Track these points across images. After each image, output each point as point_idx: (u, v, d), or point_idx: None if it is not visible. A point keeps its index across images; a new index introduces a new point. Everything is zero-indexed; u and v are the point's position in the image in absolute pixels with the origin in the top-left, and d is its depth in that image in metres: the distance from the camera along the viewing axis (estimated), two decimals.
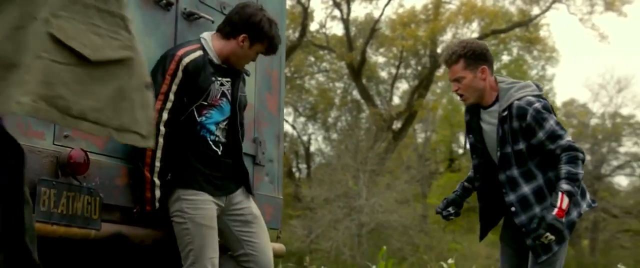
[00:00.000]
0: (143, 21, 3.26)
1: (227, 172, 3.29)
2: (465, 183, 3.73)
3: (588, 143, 24.11)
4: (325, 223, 17.65)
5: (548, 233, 3.24)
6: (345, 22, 21.56)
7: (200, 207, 3.14)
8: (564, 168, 3.31)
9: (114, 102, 1.47)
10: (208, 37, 3.30)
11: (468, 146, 3.71)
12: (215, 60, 3.25)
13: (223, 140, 3.28)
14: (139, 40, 3.24)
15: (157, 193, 3.11)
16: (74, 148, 2.83)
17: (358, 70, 21.54)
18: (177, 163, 3.15)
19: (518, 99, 3.40)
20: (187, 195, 3.14)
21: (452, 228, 22.57)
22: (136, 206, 3.12)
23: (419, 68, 22.71)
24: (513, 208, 3.45)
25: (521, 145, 3.40)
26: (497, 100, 3.48)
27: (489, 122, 3.52)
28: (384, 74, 23.13)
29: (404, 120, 21.74)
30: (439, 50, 22.66)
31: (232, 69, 3.31)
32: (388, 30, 22.66)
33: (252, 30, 3.23)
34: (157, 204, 3.11)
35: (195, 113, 3.19)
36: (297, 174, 20.89)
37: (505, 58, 24.12)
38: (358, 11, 30.08)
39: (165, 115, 3.11)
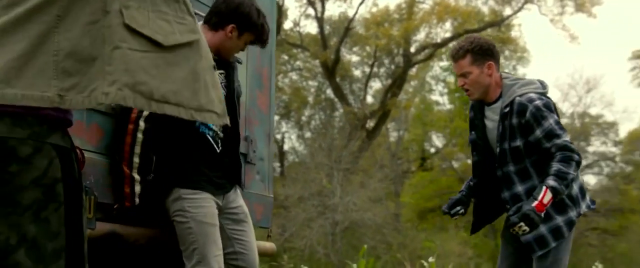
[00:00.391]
0: None
1: (225, 170, 3.26)
2: (470, 183, 3.71)
3: None
4: (299, 222, 17.65)
5: (522, 223, 3.23)
6: (320, 20, 21.59)
7: (201, 205, 3.11)
8: (555, 166, 3.30)
9: (190, 83, 1.52)
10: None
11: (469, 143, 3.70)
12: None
13: (221, 134, 3.24)
14: None
15: (137, 188, 3.04)
16: None
17: (332, 69, 21.57)
18: (177, 162, 3.10)
19: (520, 95, 3.39)
20: (188, 193, 3.10)
21: (425, 226, 22.73)
22: (115, 203, 3.06)
23: (393, 67, 22.83)
24: (507, 206, 3.46)
25: (518, 142, 3.39)
26: (500, 96, 3.49)
27: (492, 118, 3.52)
28: (357, 73, 23.20)
29: (377, 119, 21.83)
30: (412, 50, 22.81)
31: (223, 61, 3.26)
32: (362, 29, 22.73)
33: (240, 20, 3.17)
34: (136, 200, 3.04)
35: None
36: None
37: None
38: (332, 10, 30.16)
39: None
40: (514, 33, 23.45)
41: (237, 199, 3.32)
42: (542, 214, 3.26)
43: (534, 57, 29.46)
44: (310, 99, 22.36)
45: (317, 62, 22.20)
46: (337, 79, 21.98)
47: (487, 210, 3.65)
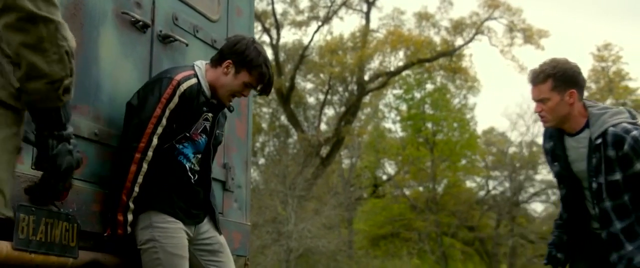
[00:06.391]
0: (120, 42, 3.18)
1: (198, 201, 3.22)
2: (559, 221, 3.48)
3: (506, 170, 24.95)
4: (253, 249, 17.49)
5: None
6: (275, 47, 21.65)
7: (172, 236, 3.05)
8: None
9: None
10: (201, 66, 3.20)
11: (552, 175, 3.47)
12: (207, 91, 3.16)
13: (197, 168, 3.22)
14: (116, 61, 3.16)
15: (130, 217, 3.00)
16: None
17: (286, 96, 21.61)
18: (152, 187, 3.05)
19: (613, 126, 3.18)
20: (159, 222, 3.04)
21: (378, 253, 22.80)
22: (107, 229, 3.00)
23: (346, 95, 23.00)
24: (608, 246, 3.23)
25: (617, 176, 3.17)
26: (586, 126, 3.27)
27: (575, 149, 3.30)
28: (312, 100, 23.30)
29: (332, 146, 21.91)
30: (366, 78, 23.05)
31: (217, 105, 3.23)
32: (317, 57, 22.88)
33: (236, 56, 3.14)
34: (128, 228, 3.00)
35: (174, 140, 3.12)
36: None
37: (429, 86, 24.77)
38: (287, 37, 30.29)
39: (155, 141, 3.01)
40: (465, 63, 24.00)
41: (211, 230, 3.28)
42: None
43: (484, 87, 30.03)
44: (265, 125, 22.34)
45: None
46: (292, 106, 22.04)
47: (582, 245, 3.40)
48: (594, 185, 3.21)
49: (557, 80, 3.23)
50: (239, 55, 3.14)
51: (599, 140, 3.19)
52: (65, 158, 1.77)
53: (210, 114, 3.20)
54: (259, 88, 3.21)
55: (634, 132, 3.15)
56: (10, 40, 1.60)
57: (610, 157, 3.17)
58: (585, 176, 3.28)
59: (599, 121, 3.23)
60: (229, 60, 3.15)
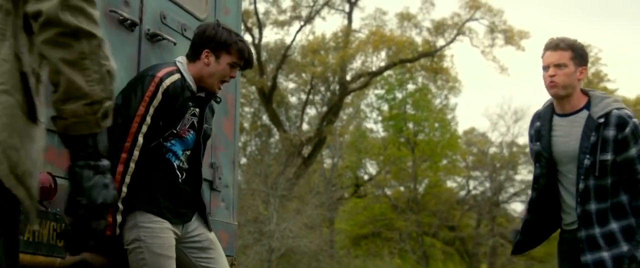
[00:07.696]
0: (108, 41, 3.14)
1: (186, 199, 3.21)
2: (527, 217, 3.53)
3: (486, 171, 25.12)
4: (235, 249, 17.45)
5: None
6: (257, 47, 21.59)
7: (157, 236, 3.04)
8: None
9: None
10: (183, 61, 3.20)
11: (531, 156, 3.55)
12: (192, 85, 3.15)
13: (186, 166, 3.20)
14: None
15: (119, 218, 2.98)
16: (40, 172, 2.69)
17: (268, 96, 21.59)
18: (138, 187, 3.04)
19: (617, 109, 3.28)
20: (145, 222, 3.02)
21: (359, 252, 22.85)
22: None
23: (328, 94, 23.02)
24: (578, 222, 3.31)
25: (609, 156, 3.26)
26: (584, 107, 3.35)
27: (568, 128, 3.37)
28: (294, 100, 23.30)
29: (313, 146, 21.91)
30: (348, 78, 23.08)
31: (204, 99, 3.22)
32: (299, 57, 22.88)
33: (210, 43, 3.15)
34: (117, 230, 2.98)
35: (162, 138, 3.11)
36: None
37: (410, 87, 24.87)
38: (269, 36, 30.26)
39: (140, 139, 2.99)
40: (446, 63, 24.12)
41: (200, 227, 3.27)
42: None
43: (465, 87, 30.25)
44: (247, 125, 22.29)
45: (253, 88, 22.19)
46: (274, 106, 22.01)
47: (542, 229, 3.50)
48: (587, 162, 3.27)
49: (576, 52, 3.36)
50: (211, 40, 3.16)
51: (602, 120, 3.27)
52: (101, 191, 1.57)
53: (197, 109, 3.19)
54: (242, 64, 3.23)
55: (635, 119, 3.28)
56: (50, 56, 1.49)
57: (608, 137, 3.26)
58: (563, 158, 3.34)
59: (603, 103, 3.32)
60: (206, 49, 3.15)
